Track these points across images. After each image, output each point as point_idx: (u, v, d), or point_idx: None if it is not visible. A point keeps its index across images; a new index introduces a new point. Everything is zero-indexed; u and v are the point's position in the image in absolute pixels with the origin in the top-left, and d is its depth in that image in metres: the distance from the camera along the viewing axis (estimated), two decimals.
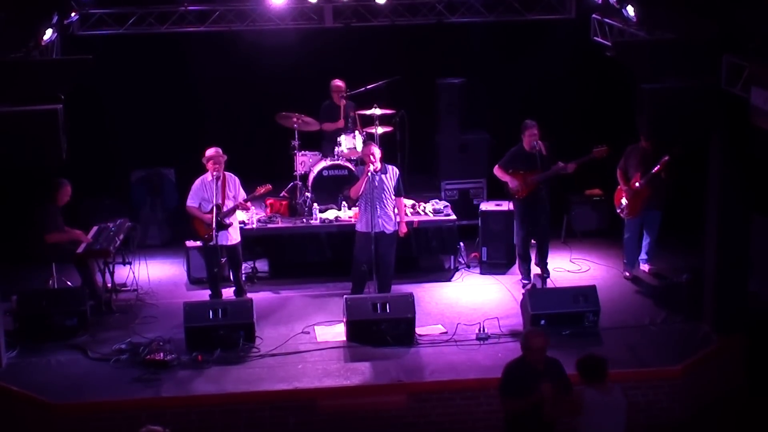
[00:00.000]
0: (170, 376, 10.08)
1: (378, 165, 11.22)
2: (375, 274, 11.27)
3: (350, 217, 12.46)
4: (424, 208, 12.90)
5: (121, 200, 13.91)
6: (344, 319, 10.85)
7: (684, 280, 11.68)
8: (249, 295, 11.60)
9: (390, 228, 11.33)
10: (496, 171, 11.99)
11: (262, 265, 12.79)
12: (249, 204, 11.60)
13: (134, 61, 13.75)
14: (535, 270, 12.17)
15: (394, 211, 11.40)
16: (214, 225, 11.14)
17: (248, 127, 14.25)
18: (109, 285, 11.79)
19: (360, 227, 11.38)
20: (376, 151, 11.30)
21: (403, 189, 11.58)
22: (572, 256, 13.09)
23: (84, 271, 11.52)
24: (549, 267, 12.20)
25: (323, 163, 13.02)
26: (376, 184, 11.20)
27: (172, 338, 10.61)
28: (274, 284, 12.48)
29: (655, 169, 11.82)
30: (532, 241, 12.14)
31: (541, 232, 12.02)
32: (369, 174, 11.14)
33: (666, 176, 11.89)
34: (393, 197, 11.35)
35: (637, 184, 11.91)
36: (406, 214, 12.65)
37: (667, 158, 11.76)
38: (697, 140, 10.57)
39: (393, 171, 11.39)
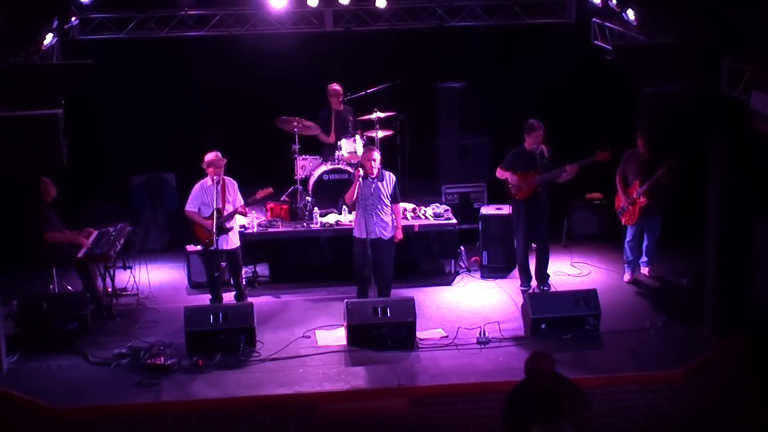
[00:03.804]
0: (171, 380, 10.06)
1: (375, 171, 11.18)
2: (374, 279, 11.25)
3: (350, 222, 12.43)
4: (425, 212, 12.90)
5: (121, 205, 13.89)
6: (345, 323, 10.84)
7: (685, 283, 11.68)
8: (249, 299, 11.59)
9: (387, 234, 11.30)
10: (498, 172, 11.98)
11: (262, 270, 12.78)
12: (247, 209, 11.59)
13: (135, 66, 13.77)
14: (534, 281, 12.12)
15: (391, 217, 11.39)
16: (214, 229, 11.15)
17: (249, 132, 14.24)
18: (110, 289, 11.79)
19: (356, 233, 11.36)
20: (377, 156, 11.28)
21: (399, 195, 11.54)
22: (573, 259, 13.08)
23: (85, 275, 11.53)
24: (549, 271, 12.13)
25: (324, 167, 13.01)
26: (372, 190, 11.17)
27: (173, 342, 10.58)
28: (274, 288, 12.47)
29: (653, 179, 11.81)
30: (533, 245, 12.12)
31: (541, 238, 11.98)
32: (359, 179, 11.12)
33: (665, 182, 11.88)
34: (389, 203, 11.33)
35: (635, 194, 11.91)
36: (407, 218, 12.68)
37: (664, 169, 11.76)
38: (697, 144, 10.56)
39: (390, 177, 11.35)
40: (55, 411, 9.63)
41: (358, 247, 11.30)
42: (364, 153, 11.58)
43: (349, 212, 12.56)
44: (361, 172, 11.14)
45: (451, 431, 9.89)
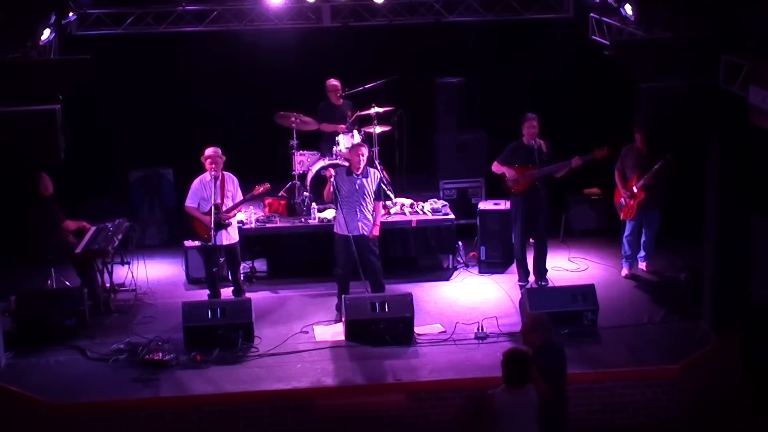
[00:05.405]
0: (169, 376, 10.07)
1: (361, 167, 11.15)
2: (363, 276, 11.22)
3: None
4: (423, 207, 12.89)
5: (119, 200, 13.90)
6: (343, 319, 10.85)
7: (683, 278, 11.68)
8: (247, 294, 11.59)
9: (369, 230, 11.30)
10: (494, 166, 11.98)
11: (260, 265, 12.79)
12: (231, 214, 11.40)
13: (132, 61, 13.76)
14: (531, 276, 12.13)
15: (372, 214, 11.36)
16: (212, 225, 11.14)
17: (246, 127, 14.23)
18: (108, 285, 11.79)
19: (337, 229, 11.30)
20: (365, 152, 11.26)
21: (382, 194, 11.53)
22: (571, 255, 13.10)
23: (84, 271, 11.53)
24: (547, 266, 12.15)
25: (321, 163, 13.01)
26: (357, 187, 11.15)
27: (171, 338, 10.60)
28: (272, 284, 12.47)
29: (649, 174, 11.82)
30: (530, 240, 12.12)
31: (538, 233, 11.99)
32: (333, 180, 11.11)
33: (662, 177, 11.88)
34: (372, 200, 11.27)
35: (634, 188, 11.92)
36: (405, 213, 12.68)
37: (661, 163, 11.77)
38: (695, 139, 10.57)
39: (374, 175, 11.33)
40: (53, 406, 9.64)
41: (340, 244, 11.26)
42: (353, 147, 11.54)
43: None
44: (333, 173, 11.14)
45: (449, 426, 9.90)
